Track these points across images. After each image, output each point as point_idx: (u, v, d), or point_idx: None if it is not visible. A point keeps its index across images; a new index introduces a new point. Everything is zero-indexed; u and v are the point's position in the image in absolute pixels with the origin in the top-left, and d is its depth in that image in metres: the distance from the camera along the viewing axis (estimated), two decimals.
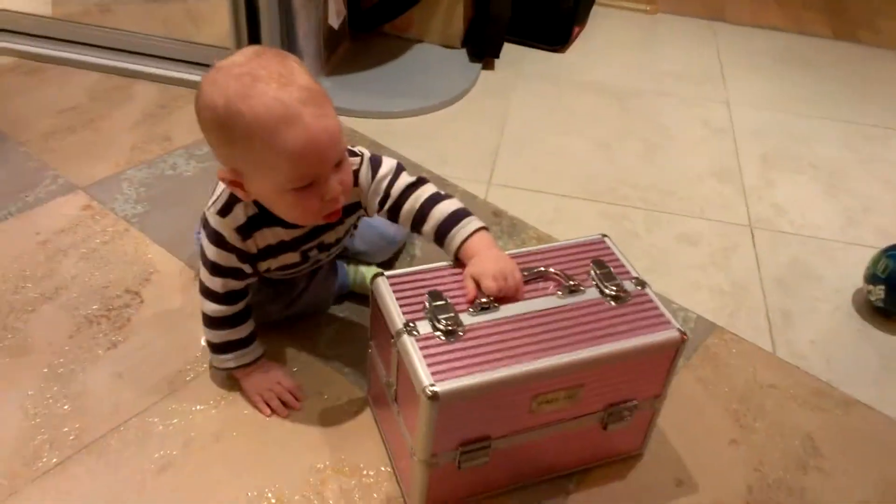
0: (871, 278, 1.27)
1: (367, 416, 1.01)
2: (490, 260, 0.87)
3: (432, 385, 0.76)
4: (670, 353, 0.88)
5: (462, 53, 1.84)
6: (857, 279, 1.31)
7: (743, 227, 1.44)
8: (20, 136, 1.42)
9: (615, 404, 0.90)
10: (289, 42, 1.56)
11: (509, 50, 1.86)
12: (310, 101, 0.78)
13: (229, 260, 0.92)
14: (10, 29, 1.68)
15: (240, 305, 0.96)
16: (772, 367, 1.17)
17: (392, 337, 0.82)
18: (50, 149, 1.40)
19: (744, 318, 1.25)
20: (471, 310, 0.84)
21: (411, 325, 0.82)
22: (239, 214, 0.90)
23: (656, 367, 0.89)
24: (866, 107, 1.84)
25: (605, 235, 0.99)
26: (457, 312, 0.83)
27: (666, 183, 1.53)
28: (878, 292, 1.26)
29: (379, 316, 0.87)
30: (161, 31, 1.72)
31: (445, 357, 0.79)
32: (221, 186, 0.91)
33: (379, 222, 1.11)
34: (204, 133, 0.84)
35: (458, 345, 0.80)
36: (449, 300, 0.85)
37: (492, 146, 1.57)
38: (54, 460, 0.93)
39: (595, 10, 2.09)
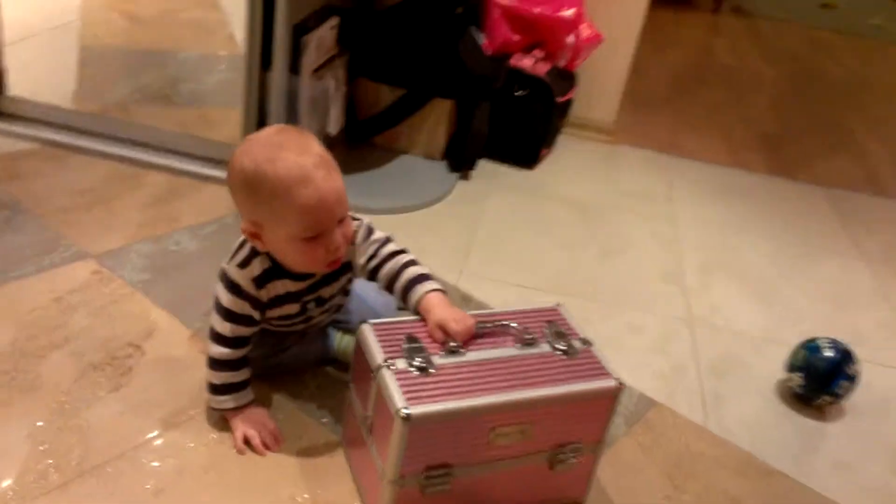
0: (791, 367, 1.44)
1: (340, 458, 1.13)
2: (447, 309, 1.03)
3: (406, 408, 0.90)
4: (609, 400, 1.03)
5: (442, 165, 2.06)
6: (779, 370, 1.48)
7: (683, 320, 1.62)
8: (39, 210, 1.58)
9: (561, 445, 1.04)
10: None
11: (484, 165, 2.08)
12: (322, 165, 0.97)
13: (243, 308, 1.07)
14: (35, 118, 1.87)
15: (243, 351, 1.11)
16: (703, 439, 1.31)
17: (372, 372, 0.97)
18: (66, 222, 1.55)
19: (681, 396, 1.40)
20: (441, 352, 1.00)
21: (390, 361, 0.96)
22: (256, 267, 1.07)
23: (597, 412, 1.03)
24: (792, 232, 2.07)
25: (559, 304, 1.15)
26: (429, 353, 0.99)
27: (619, 282, 1.71)
28: (798, 380, 1.43)
29: (361, 357, 1.01)
30: (179, 130, 1.93)
31: (418, 388, 0.94)
32: (241, 245, 1.07)
33: (371, 296, 1.27)
34: (232, 193, 1.03)
35: (429, 379, 0.95)
36: (423, 343, 1.00)
37: (465, 242, 1.75)
38: (59, 481, 1.03)
39: (562, 136, 2.34)
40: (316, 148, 1.01)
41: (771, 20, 4.42)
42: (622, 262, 1.80)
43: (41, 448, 1.07)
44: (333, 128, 1.90)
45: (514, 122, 2.13)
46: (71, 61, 2.26)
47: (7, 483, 1.02)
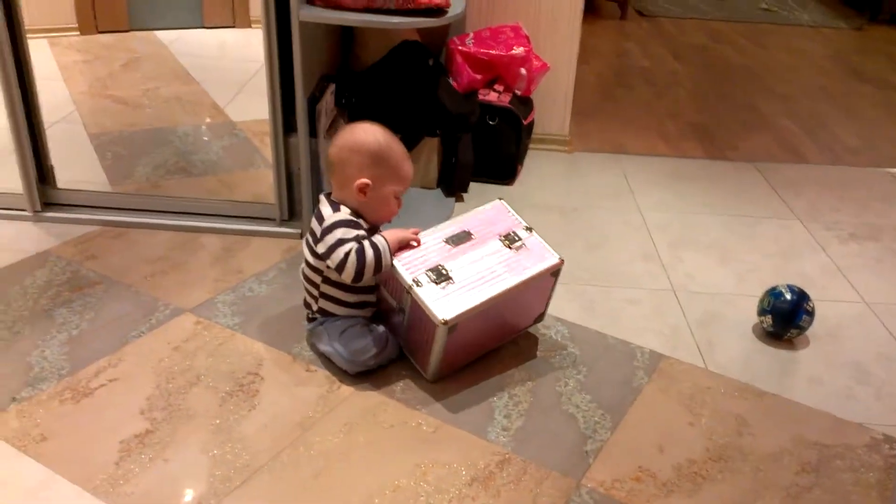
0: (761, 312, 1.82)
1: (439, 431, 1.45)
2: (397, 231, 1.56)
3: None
4: (556, 268, 1.63)
5: (438, 192, 2.40)
6: (752, 316, 1.86)
7: (667, 291, 1.99)
8: (126, 280, 1.85)
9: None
10: (317, 191, 2.07)
11: (472, 186, 2.43)
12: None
13: (351, 223, 1.52)
14: (87, 204, 2.13)
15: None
16: (706, 377, 1.68)
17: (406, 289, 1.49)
18: (153, 286, 1.83)
19: (681, 348, 1.77)
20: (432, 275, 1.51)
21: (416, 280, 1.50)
22: (344, 211, 1.55)
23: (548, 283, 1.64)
24: (735, 203, 2.48)
25: (500, 199, 1.69)
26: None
27: (608, 267, 2.08)
28: (768, 321, 1.81)
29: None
30: (207, 196, 2.21)
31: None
32: (320, 212, 1.54)
33: None
34: (353, 160, 1.53)
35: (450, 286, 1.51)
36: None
37: None
38: (239, 480, 1.32)
39: (530, 152, 2.71)
40: None
41: (671, 19, 4.92)
42: (606, 250, 2.17)
43: (216, 459, 1.36)
44: None
45: (491, 146, 2.49)
46: (88, 149, 2.50)
47: (202, 489, 1.31)
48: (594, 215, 2.35)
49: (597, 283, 1.99)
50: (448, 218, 2.31)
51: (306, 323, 1.66)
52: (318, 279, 1.58)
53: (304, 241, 1.62)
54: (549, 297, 1.73)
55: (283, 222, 2.12)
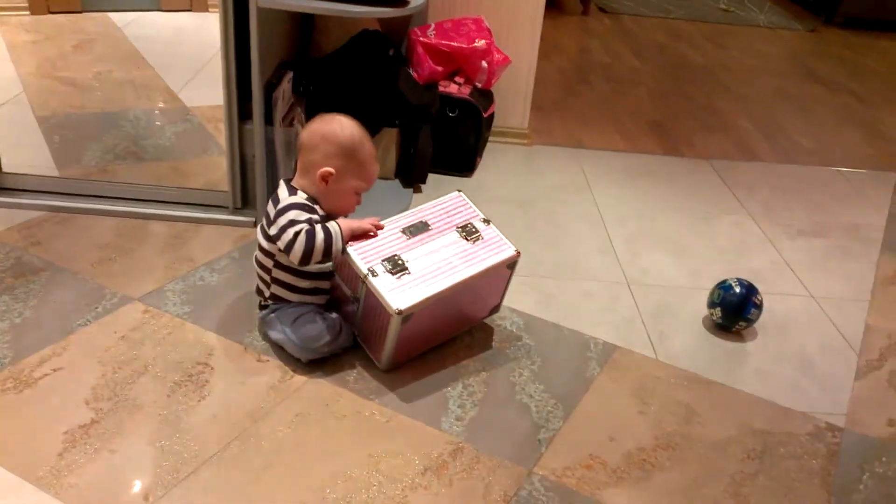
0: (711, 304, 1.86)
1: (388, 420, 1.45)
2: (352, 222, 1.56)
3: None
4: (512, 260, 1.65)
5: (396, 183, 2.39)
6: (702, 308, 1.89)
7: (622, 284, 2.02)
8: (73, 267, 1.81)
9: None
10: (272, 180, 2.05)
11: (431, 177, 2.43)
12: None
13: (305, 207, 1.51)
14: (34, 189, 2.08)
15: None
16: (657, 367, 1.71)
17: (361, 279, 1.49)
18: (100, 274, 1.79)
19: (634, 339, 1.79)
20: (388, 265, 1.50)
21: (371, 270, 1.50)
22: (302, 195, 1.54)
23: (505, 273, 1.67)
24: (690, 199, 2.52)
25: (459, 191, 1.69)
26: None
27: (565, 260, 2.09)
28: (718, 313, 1.84)
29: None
30: (157, 183, 2.17)
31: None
32: (276, 195, 1.54)
33: None
34: (321, 148, 1.53)
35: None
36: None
37: None
38: (187, 471, 1.31)
39: (489, 145, 2.72)
40: None
41: (633, 16, 4.98)
42: (563, 243, 2.19)
43: (164, 450, 1.34)
44: None
45: (450, 138, 2.49)
46: (35, 132, 2.44)
47: (148, 480, 1.29)
48: (552, 209, 2.37)
49: (553, 275, 2.01)
50: (406, 209, 2.33)
51: (258, 311, 1.64)
52: (270, 264, 1.57)
53: (258, 227, 1.60)
54: (505, 289, 1.74)
55: (236, 210, 2.10)
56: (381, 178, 2.41)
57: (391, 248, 1.55)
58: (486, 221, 1.68)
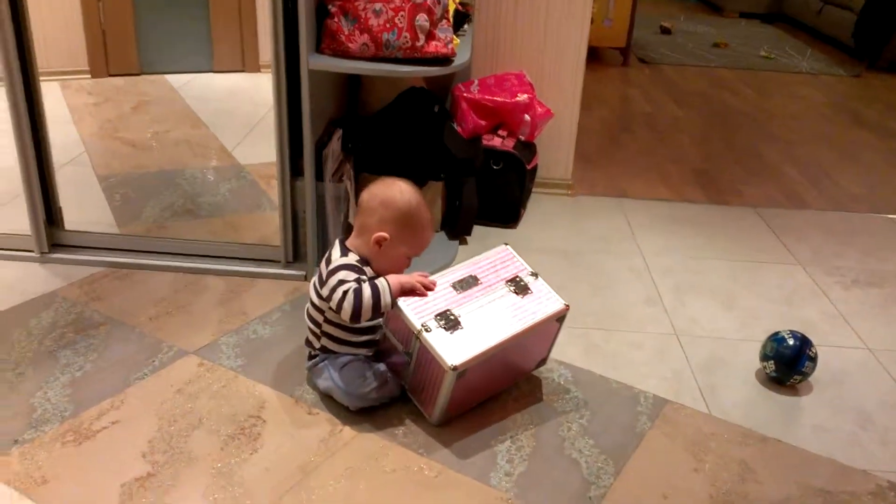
0: (764, 357, 1.82)
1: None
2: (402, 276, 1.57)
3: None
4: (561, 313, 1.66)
5: (442, 235, 2.41)
6: (755, 361, 1.86)
7: (670, 335, 1.99)
8: (131, 321, 1.86)
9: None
10: (323, 234, 2.09)
11: (476, 229, 2.44)
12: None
13: (354, 268, 1.54)
14: (94, 245, 2.15)
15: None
16: (710, 422, 1.67)
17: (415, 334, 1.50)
18: (157, 328, 1.84)
19: (685, 393, 1.76)
20: (441, 321, 1.50)
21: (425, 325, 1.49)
22: (352, 257, 1.57)
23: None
24: (738, 248, 2.49)
25: (506, 244, 1.71)
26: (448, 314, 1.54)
27: (611, 311, 2.08)
28: (771, 366, 1.81)
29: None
30: (212, 238, 2.23)
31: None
32: (329, 258, 1.56)
33: None
34: (378, 213, 1.56)
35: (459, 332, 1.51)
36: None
37: None
38: None
39: (533, 196, 2.73)
40: None
41: (672, 66, 4.99)
42: (609, 294, 2.17)
43: (217, 503, 1.36)
44: (353, 219, 2.23)
45: (495, 190, 2.52)
46: (97, 191, 2.53)
47: None
48: (597, 259, 2.36)
49: (600, 326, 2.00)
50: (452, 260, 2.35)
51: (308, 361, 1.66)
52: (320, 318, 1.59)
53: (311, 283, 1.64)
54: (553, 342, 1.73)
55: (287, 264, 2.14)
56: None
57: (443, 304, 1.56)
58: (535, 275, 1.68)
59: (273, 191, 2.11)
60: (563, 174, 2.83)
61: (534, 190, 2.76)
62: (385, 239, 1.56)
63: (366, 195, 1.61)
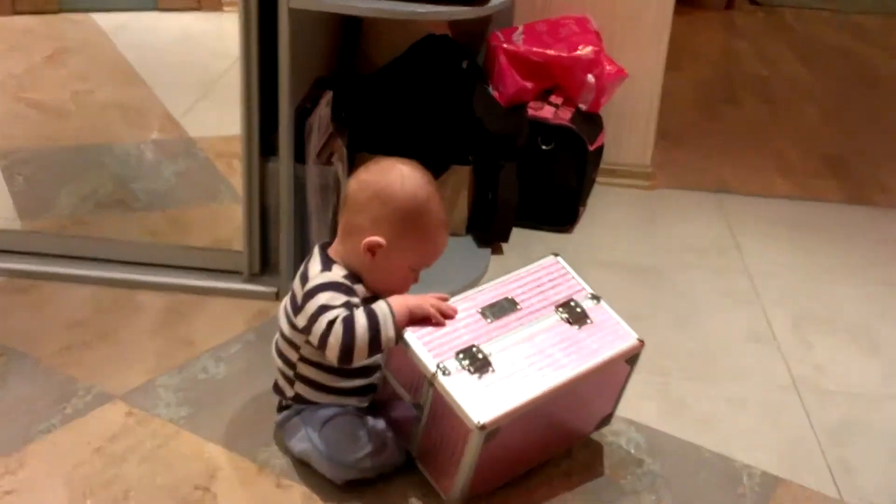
0: None
1: None
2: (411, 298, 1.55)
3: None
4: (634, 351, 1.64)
5: (468, 241, 2.42)
6: None
7: (787, 388, 1.97)
8: (35, 352, 1.87)
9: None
10: (302, 236, 2.10)
11: (517, 234, 2.44)
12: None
13: (341, 287, 1.52)
14: None
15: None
16: None
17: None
18: (72, 362, 1.85)
19: (806, 471, 1.73)
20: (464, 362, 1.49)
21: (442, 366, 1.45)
22: (337, 272, 1.55)
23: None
24: (884, 267, 2.46)
25: (556, 254, 1.70)
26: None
27: (701, 351, 2.06)
28: None
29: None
30: (150, 240, 2.24)
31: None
32: (305, 268, 1.56)
33: None
34: (371, 209, 1.53)
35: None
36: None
37: None
38: None
39: (596, 188, 2.73)
40: None
41: (796, 9, 4.96)
42: (699, 328, 2.16)
43: None
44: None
45: (543, 179, 2.52)
46: None
47: None
48: (684, 278, 2.35)
49: (686, 373, 1.98)
50: (481, 276, 2.34)
51: (277, 414, 1.66)
52: (294, 356, 1.59)
53: (282, 305, 1.63)
54: (621, 393, 1.72)
55: (252, 277, 2.14)
56: (450, 233, 2.43)
57: (467, 336, 1.54)
58: (596, 298, 1.67)
59: (235, 175, 2.12)
60: (639, 159, 2.82)
61: (598, 180, 2.76)
62: (380, 245, 1.54)
63: (354, 184, 1.58)
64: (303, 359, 1.58)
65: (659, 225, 2.60)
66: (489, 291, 1.63)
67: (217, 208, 2.41)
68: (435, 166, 2.40)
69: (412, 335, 1.51)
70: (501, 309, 1.60)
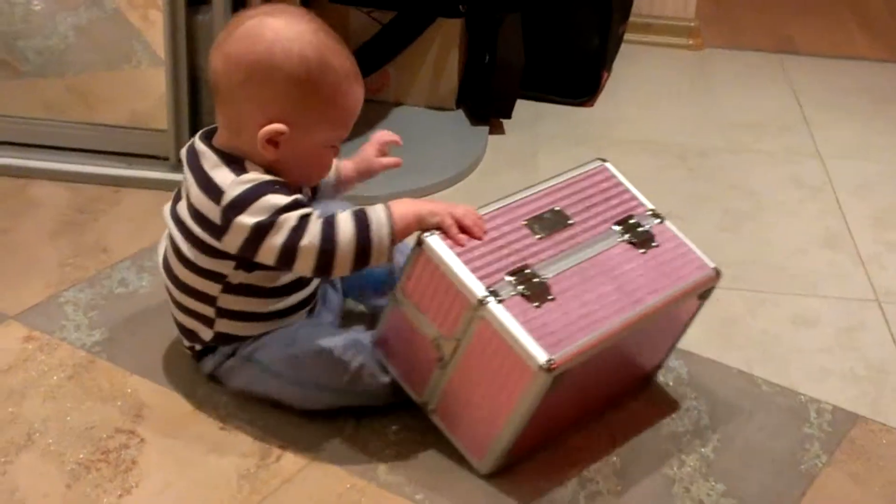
0: None
1: None
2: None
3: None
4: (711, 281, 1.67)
5: (459, 115, 2.41)
6: None
7: (868, 301, 1.99)
8: None
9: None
10: None
11: (522, 107, 2.43)
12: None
13: (275, 184, 1.48)
14: None
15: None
16: None
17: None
18: None
19: (890, 404, 1.77)
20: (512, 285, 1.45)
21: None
22: (252, 169, 1.50)
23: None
24: None
25: (603, 159, 1.69)
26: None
27: (761, 257, 2.08)
28: None
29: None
30: (46, 115, 2.22)
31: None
32: (223, 172, 1.49)
33: None
34: (251, 93, 1.47)
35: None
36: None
37: None
38: None
39: (624, 48, 2.71)
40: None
41: None
42: (759, 228, 2.17)
43: None
44: None
45: (556, 37, 2.50)
46: None
47: None
48: (738, 163, 2.36)
49: (740, 283, 2.00)
50: (477, 161, 2.32)
51: (198, 363, 1.68)
52: (214, 290, 1.58)
53: (169, 237, 1.61)
54: (679, 338, 1.73)
55: (181, 164, 2.13)
56: (432, 107, 2.43)
57: (514, 254, 1.53)
58: (658, 216, 1.67)
59: (154, 30, 2.10)
60: (680, 10, 2.81)
61: (627, 37, 2.74)
62: (281, 133, 1.49)
63: (219, 62, 1.52)
64: (228, 288, 1.58)
65: (704, 95, 2.60)
66: (529, 199, 1.60)
67: (131, 74, 2.38)
68: (416, 20, 2.39)
69: (446, 248, 1.46)
70: (551, 223, 1.57)
